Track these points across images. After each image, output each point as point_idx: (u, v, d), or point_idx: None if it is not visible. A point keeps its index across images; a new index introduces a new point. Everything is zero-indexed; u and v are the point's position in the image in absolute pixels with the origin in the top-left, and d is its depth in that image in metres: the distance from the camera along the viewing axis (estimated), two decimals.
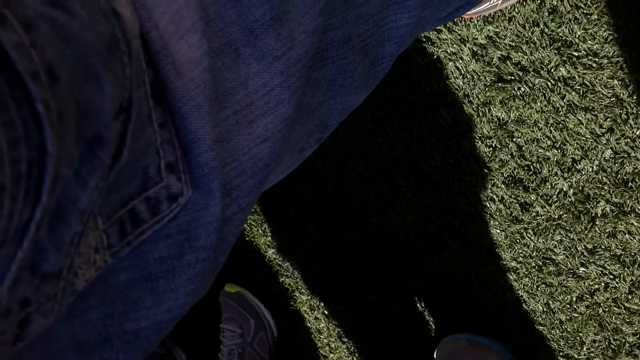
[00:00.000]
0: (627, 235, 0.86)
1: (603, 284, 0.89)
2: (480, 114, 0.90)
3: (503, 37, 0.85)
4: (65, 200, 0.26)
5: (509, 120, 0.88)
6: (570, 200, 0.87)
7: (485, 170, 0.93)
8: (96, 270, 0.29)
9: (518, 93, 0.86)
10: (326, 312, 1.17)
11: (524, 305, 0.96)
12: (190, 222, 0.31)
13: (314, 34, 0.36)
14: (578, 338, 0.93)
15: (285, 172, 0.44)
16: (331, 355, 1.20)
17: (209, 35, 0.32)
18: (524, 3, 0.82)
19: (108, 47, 0.26)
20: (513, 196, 0.92)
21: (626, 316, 0.89)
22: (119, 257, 0.30)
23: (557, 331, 0.95)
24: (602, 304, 0.90)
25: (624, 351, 0.90)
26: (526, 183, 0.90)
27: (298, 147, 0.42)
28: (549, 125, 0.86)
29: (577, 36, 0.80)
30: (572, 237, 0.89)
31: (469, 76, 0.89)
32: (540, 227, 0.91)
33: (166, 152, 0.31)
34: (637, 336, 0.90)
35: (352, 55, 0.41)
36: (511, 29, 0.84)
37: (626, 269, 0.87)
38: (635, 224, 0.85)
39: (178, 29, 0.31)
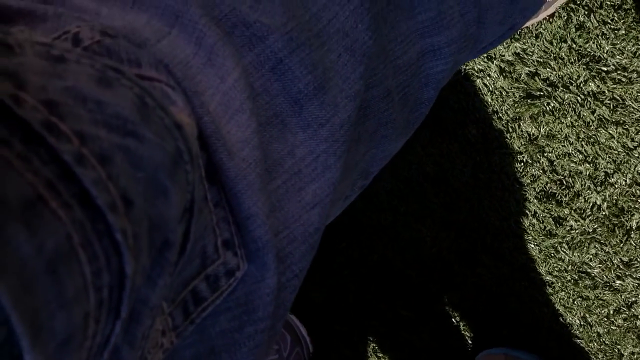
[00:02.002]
0: None
1: None
2: (510, 130, 0.90)
3: (530, 54, 0.85)
4: (138, 303, 0.27)
5: (539, 136, 0.88)
6: (604, 213, 0.87)
7: (517, 186, 0.93)
8: (164, 353, 0.30)
9: (547, 108, 0.86)
10: (360, 327, 1.18)
11: (561, 319, 0.96)
12: (247, 295, 0.32)
13: (356, 97, 0.37)
14: (616, 350, 0.93)
15: (329, 221, 0.45)
16: None
17: (257, 111, 0.33)
18: (551, 20, 0.82)
19: (173, 162, 0.27)
20: (546, 211, 0.91)
21: None
22: (183, 335, 0.31)
23: (595, 344, 0.94)
24: (639, 316, 0.90)
25: None
26: (559, 197, 0.90)
27: (342, 197, 0.42)
28: (580, 139, 0.85)
29: (605, 51, 0.80)
30: (607, 250, 0.89)
31: (497, 93, 0.90)
32: (574, 241, 0.91)
33: (222, 229, 0.32)
34: None
35: (392, 107, 0.42)
36: (538, 45, 0.84)
37: None
38: None
39: (227, 109, 0.32)
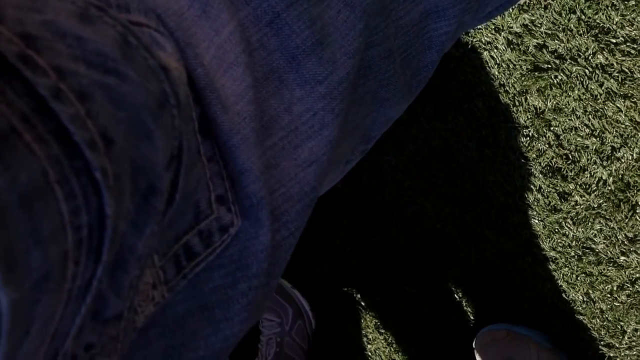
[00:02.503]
0: None
1: None
2: (517, 104, 0.89)
3: (539, 25, 0.84)
4: (124, 250, 0.27)
5: (546, 109, 0.88)
6: (610, 188, 0.86)
7: (523, 160, 0.92)
8: (155, 306, 0.30)
9: (555, 81, 0.85)
10: (363, 303, 1.18)
11: (564, 295, 0.95)
12: (241, 252, 0.32)
13: (355, 54, 0.36)
14: (619, 327, 0.92)
15: (331, 185, 0.45)
16: (369, 346, 1.20)
17: (253, 66, 0.32)
18: None
19: (158, 104, 0.27)
20: (551, 186, 0.91)
21: None
22: (176, 290, 0.31)
23: (598, 320, 0.94)
24: None
25: None
26: (564, 172, 0.89)
27: (343, 160, 0.42)
28: (587, 113, 0.85)
29: (614, 23, 0.79)
30: (612, 225, 0.88)
31: (504, 65, 0.89)
32: (579, 217, 0.90)
33: (215, 184, 0.31)
34: None
35: (394, 68, 0.41)
36: (547, 17, 0.83)
37: None
38: None
39: (222, 62, 0.31)
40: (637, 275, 0.89)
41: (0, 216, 0.20)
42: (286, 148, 0.34)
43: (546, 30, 0.84)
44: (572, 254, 0.93)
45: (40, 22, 0.24)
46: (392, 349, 1.17)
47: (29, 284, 0.22)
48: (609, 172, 0.86)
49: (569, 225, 0.91)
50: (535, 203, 0.93)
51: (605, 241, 0.90)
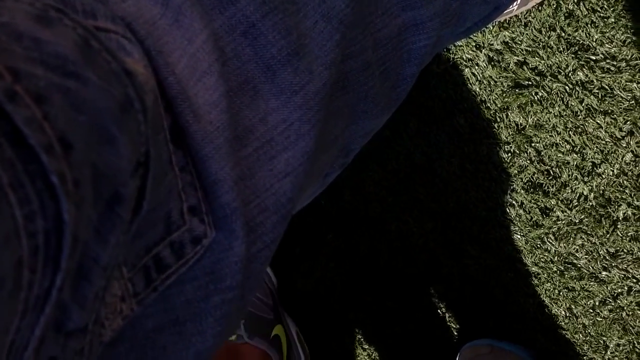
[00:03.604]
0: None
1: (626, 288, 0.89)
2: (498, 120, 0.90)
3: (519, 43, 0.85)
4: (87, 259, 0.26)
5: (527, 126, 0.88)
6: (591, 204, 0.87)
7: (504, 176, 0.92)
8: (123, 320, 0.29)
9: (536, 98, 0.86)
10: (346, 319, 1.17)
11: (546, 310, 0.96)
12: (215, 264, 0.31)
13: (331, 65, 0.36)
14: (602, 342, 0.93)
15: (310, 198, 0.44)
16: None
17: (227, 76, 0.32)
18: (540, 8, 0.82)
19: (121, 108, 0.26)
20: (533, 201, 0.91)
21: None
22: (145, 303, 0.30)
23: (581, 335, 0.94)
24: (625, 308, 0.90)
25: None
26: (546, 188, 0.90)
27: (322, 173, 0.42)
28: (568, 129, 0.85)
29: (594, 40, 0.80)
30: (593, 241, 0.89)
31: (485, 82, 0.89)
32: (561, 232, 0.90)
33: (188, 195, 0.31)
34: None
35: (372, 81, 0.41)
36: (527, 34, 0.84)
37: None
38: None
39: (195, 71, 0.31)
40: (619, 290, 0.89)
41: None
42: (261, 159, 0.33)
43: (526, 48, 0.85)
44: (555, 269, 0.93)
45: None
46: None
47: None
48: (590, 187, 0.86)
49: (550, 241, 0.92)
50: (517, 218, 0.93)
51: (587, 256, 0.90)
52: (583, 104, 0.83)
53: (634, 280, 0.88)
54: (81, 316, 0.26)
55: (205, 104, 0.31)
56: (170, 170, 0.30)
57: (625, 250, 0.87)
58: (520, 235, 0.94)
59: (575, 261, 0.91)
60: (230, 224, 0.31)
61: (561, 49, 0.82)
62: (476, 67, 0.89)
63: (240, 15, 0.33)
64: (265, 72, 0.33)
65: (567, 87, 0.84)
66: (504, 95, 0.88)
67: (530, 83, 0.86)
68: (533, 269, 0.95)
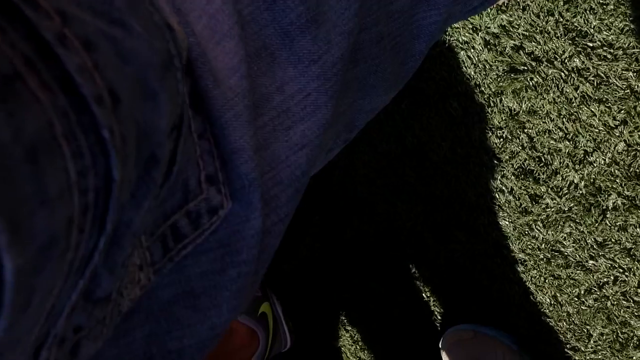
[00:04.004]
0: (638, 229, 0.85)
1: (612, 277, 0.89)
2: (492, 104, 0.89)
3: (516, 27, 0.84)
4: (121, 224, 0.25)
5: (521, 111, 0.87)
6: (581, 192, 0.87)
7: (495, 162, 0.92)
8: (140, 290, 0.28)
9: (530, 83, 0.85)
10: (330, 300, 1.17)
11: (531, 297, 0.96)
12: (231, 236, 0.30)
13: (349, 35, 0.34)
14: (585, 331, 0.93)
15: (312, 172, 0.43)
16: (334, 342, 1.20)
17: (245, 40, 0.31)
18: None
19: (163, 64, 0.25)
20: (523, 188, 0.91)
21: (635, 310, 0.89)
22: (162, 273, 0.29)
23: (565, 324, 0.94)
24: (610, 297, 0.90)
25: (631, 344, 0.90)
26: (537, 175, 0.89)
27: (326, 148, 0.40)
28: (562, 116, 0.85)
29: (592, 26, 0.79)
30: (582, 229, 0.88)
31: (480, 66, 0.88)
32: (549, 220, 0.90)
33: (206, 163, 0.29)
34: None
35: (383, 55, 0.40)
36: (525, 18, 0.83)
37: (636, 262, 0.87)
38: None
39: (214, 34, 0.29)
40: (605, 279, 0.89)
41: (4, 171, 0.18)
42: (277, 129, 0.32)
43: (523, 32, 0.84)
44: (541, 256, 0.93)
45: None
46: (358, 347, 1.16)
47: (34, 249, 0.20)
48: (580, 175, 0.86)
49: (539, 228, 0.91)
50: (507, 205, 0.93)
51: (574, 245, 0.90)
52: (578, 91, 0.83)
53: (620, 270, 0.88)
54: (110, 284, 0.25)
55: (224, 68, 0.29)
56: (189, 136, 0.29)
57: (613, 240, 0.87)
58: (508, 221, 0.94)
59: (562, 249, 0.91)
60: (248, 195, 0.30)
61: (558, 34, 0.82)
62: (472, 50, 0.88)
63: None
64: (283, 39, 0.32)
65: (562, 74, 0.83)
66: (498, 79, 0.87)
67: (525, 68, 0.85)
68: (520, 255, 0.95)
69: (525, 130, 0.88)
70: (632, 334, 0.90)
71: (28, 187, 0.19)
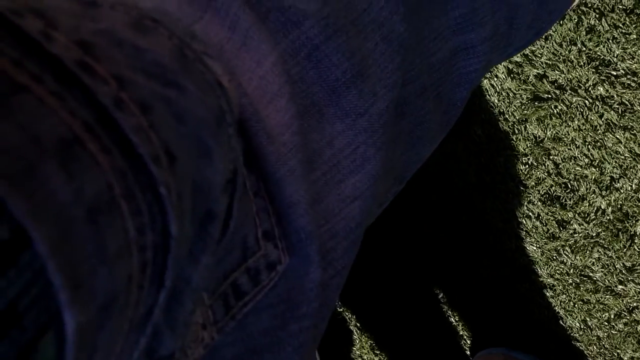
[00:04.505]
0: None
1: None
2: (516, 132, 0.90)
3: (539, 56, 0.85)
4: (180, 280, 0.25)
5: (546, 138, 0.88)
6: (608, 218, 0.87)
7: (522, 188, 0.92)
8: (204, 348, 0.29)
9: (555, 111, 0.86)
10: (359, 324, 1.18)
11: (561, 322, 0.96)
12: (290, 290, 0.31)
13: (394, 87, 0.35)
14: (616, 354, 0.93)
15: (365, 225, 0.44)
16: None
17: (295, 98, 0.31)
18: (561, 22, 0.82)
19: (216, 120, 0.26)
20: (550, 213, 0.91)
21: None
22: (224, 332, 0.30)
23: (595, 347, 0.94)
24: None
25: None
26: (563, 201, 0.89)
27: (379, 201, 0.41)
28: (587, 143, 0.85)
29: (615, 55, 0.79)
30: (610, 255, 0.89)
31: (504, 94, 0.89)
32: (577, 245, 0.90)
33: (262, 219, 0.30)
34: None
35: (428, 106, 0.40)
36: (548, 47, 0.84)
37: None
38: None
39: (265, 94, 0.30)
40: (635, 304, 0.89)
41: (66, 232, 0.19)
42: (329, 183, 0.33)
43: (547, 61, 0.84)
44: (570, 281, 0.93)
45: (95, 30, 0.23)
46: None
47: (95, 307, 0.20)
48: (607, 202, 0.86)
49: (567, 253, 0.91)
50: (534, 230, 0.93)
51: (603, 270, 0.90)
52: (603, 119, 0.83)
53: None
54: (172, 341, 0.26)
55: (277, 125, 0.30)
56: (245, 194, 0.29)
57: None
58: (536, 246, 0.94)
59: (591, 274, 0.91)
60: (305, 248, 0.31)
61: (582, 63, 0.82)
62: (495, 79, 0.89)
63: (304, 38, 0.32)
64: (330, 95, 0.33)
65: (587, 102, 0.83)
66: (522, 107, 0.88)
67: (549, 96, 0.86)
68: (548, 280, 0.95)
69: (551, 157, 0.88)
70: None
71: (89, 247, 0.20)
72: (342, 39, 0.33)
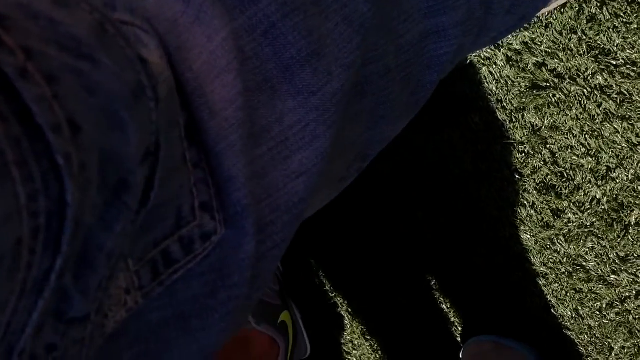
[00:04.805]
0: None
1: (634, 292, 0.89)
2: (514, 120, 0.89)
3: (539, 44, 0.84)
4: (91, 246, 0.26)
5: (543, 127, 0.88)
6: (603, 208, 0.87)
7: (517, 176, 0.92)
8: (127, 312, 0.30)
9: (553, 100, 0.86)
10: (350, 309, 1.18)
11: (552, 311, 0.96)
12: (223, 260, 0.32)
13: (350, 67, 0.36)
14: (607, 344, 0.93)
15: (324, 203, 0.44)
16: (354, 352, 1.21)
17: (245, 75, 0.32)
18: (562, 10, 0.81)
19: (133, 95, 0.27)
20: (545, 202, 0.91)
21: None
22: (151, 297, 0.31)
23: (586, 336, 0.95)
24: (632, 312, 0.90)
25: None
26: (559, 190, 0.90)
27: (337, 177, 0.42)
28: (584, 132, 0.85)
29: (615, 44, 0.79)
30: (604, 244, 0.89)
31: (502, 81, 0.89)
32: (571, 234, 0.91)
33: (200, 191, 0.31)
34: None
35: (392, 86, 0.41)
36: (547, 36, 0.83)
37: None
38: None
39: (213, 68, 0.31)
40: (627, 294, 0.90)
41: None
42: (276, 158, 0.34)
43: (546, 49, 0.84)
44: (563, 270, 0.93)
45: (13, 3, 0.24)
46: (378, 356, 1.17)
47: None
48: (603, 191, 0.86)
49: (560, 242, 0.92)
50: (528, 219, 0.93)
51: (596, 259, 0.90)
52: (601, 108, 0.83)
53: None
54: (83, 305, 0.27)
55: (221, 100, 0.31)
56: (184, 166, 0.30)
57: (635, 255, 0.87)
58: (530, 235, 0.94)
59: (584, 263, 0.91)
60: (240, 221, 0.32)
61: (581, 52, 0.82)
62: (494, 66, 0.88)
63: (261, 15, 0.33)
64: (284, 72, 0.34)
65: (585, 91, 0.83)
66: (520, 95, 0.88)
67: (548, 85, 0.85)
68: (541, 269, 0.95)
69: (548, 146, 0.88)
70: None
71: None
72: (299, 17, 0.34)
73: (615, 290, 0.90)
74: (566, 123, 0.86)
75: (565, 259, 0.93)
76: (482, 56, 0.89)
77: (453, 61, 0.47)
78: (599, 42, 0.80)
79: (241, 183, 0.31)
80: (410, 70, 0.43)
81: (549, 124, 0.87)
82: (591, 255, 0.90)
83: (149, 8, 0.31)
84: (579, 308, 0.94)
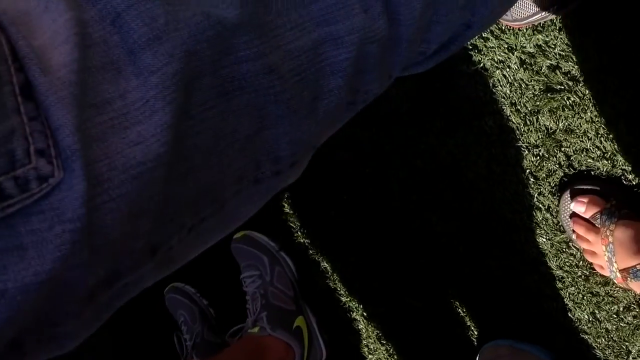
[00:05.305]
0: None
1: None
2: (528, 123, 0.89)
3: (553, 46, 0.84)
4: None
5: (558, 130, 0.87)
6: None
7: (532, 179, 0.92)
8: None
9: (567, 103, 0.85)
10: (365, 314, 1.18)
11: (569, 314, 0.96)
12: (60, 201, 0.36)
13: (196, 53, 0.41)
14: (624, 347, 0.93)
15: (252, 208, 0.48)
16: (370, 356, 1.20)
17: (86, 51, 0.37)
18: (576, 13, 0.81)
19: None
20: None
21: None
22: None
23: (603, 340, 0.94)
24: None
25: None
26: None
27: (247, 177, 0.45)
28: (599, 135, 0.85)
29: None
30: None
31: (516, 85, 0.88)
32: None
33: (36, 139, 0.35)
34: None
35: (281, 86, 0.44)
36: (561, 39, 0.83)
37: None
38: None
39: (54, 42, 0.36)
40: None
41: None
42: (116, 127, 0.38)
43: (560, 52, 0.84)
44: (579, 273, 0.93)
45: None
46: None
47: None
48: None
49: (576, 246, 0.91)
50: (544, 222, 0.93)
51: None
52: (616, 111, 0.82)
53: None
54: None
55: (56, 63, 0.36)
56: (16, 116, 0.35)
57: None
58: (545, 238, 0.94)
59: None
60: (71, 164, 0.36)
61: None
62: (507, 70, 0.88)
63: (109, 7, 0.39)
64: (129, 56, 0.39)
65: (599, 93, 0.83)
66: (535, 98, 0.88)
67: (562, 87, 0.85)
68: (557, 272, 0.95)
69: (563, 149, 0.88)
70: None
71: None
72: (145, 6, 0.39)
73: (632, 293, 0.90)
74: (581, 126, 0.85)
75: (581, 262, 0.92)
76: (496, 59, 0.89)
77: (358, 66, 0.49)
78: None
79: (70, 131, 0.36)
80: (306, 74, 0.46)
81: (563, 126, 0.87)
82: None
83: (3, 1, 0.36)
84: (596, 311, 0.93)
